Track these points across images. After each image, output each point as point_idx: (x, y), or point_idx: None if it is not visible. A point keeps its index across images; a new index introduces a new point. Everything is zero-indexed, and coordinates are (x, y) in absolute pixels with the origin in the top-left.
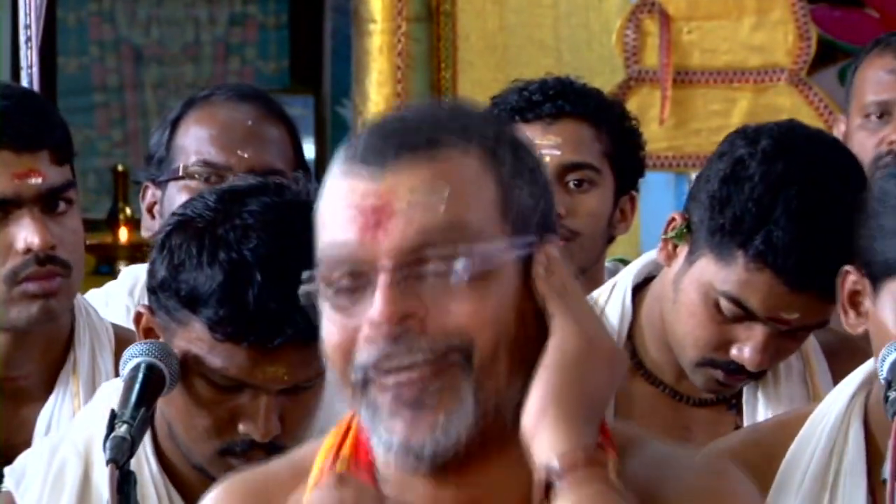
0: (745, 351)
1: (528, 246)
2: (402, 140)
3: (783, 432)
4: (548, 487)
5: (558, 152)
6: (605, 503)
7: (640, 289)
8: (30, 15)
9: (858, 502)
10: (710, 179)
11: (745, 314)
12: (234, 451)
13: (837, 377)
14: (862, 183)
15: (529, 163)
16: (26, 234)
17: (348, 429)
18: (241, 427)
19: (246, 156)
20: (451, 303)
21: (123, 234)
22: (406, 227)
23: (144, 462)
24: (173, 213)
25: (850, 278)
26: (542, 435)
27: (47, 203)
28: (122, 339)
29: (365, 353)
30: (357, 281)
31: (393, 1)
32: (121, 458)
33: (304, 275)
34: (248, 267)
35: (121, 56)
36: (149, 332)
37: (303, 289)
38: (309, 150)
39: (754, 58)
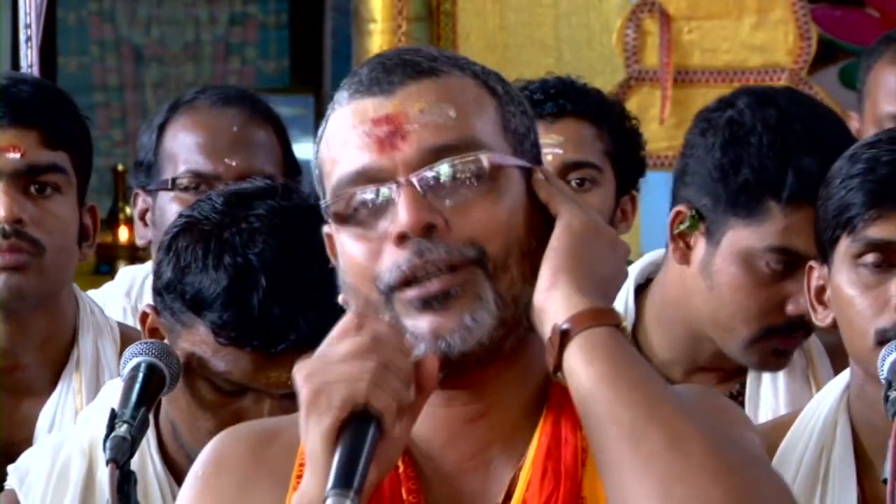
0: (801, 302)
1: (527, 167)
2: (404, 68)
3: (775, 432)
4: (561, 346)
5: (560, 151)
6: (615, 346)
7: (641, 290)
8: (30, 14)
9: (849, 498)
10: (706, 156)
11: (792, 264)
12: None
13: None
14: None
15: (517, 96)
16: None
17: None
18: None
19: (234, 164)
20: (467, 213)
21: (123, 234)
22: (420, 142)
23: (149, 461)
24: (181, 215)
25: (815, 274)
26: (554, 302)
27: (27, 181)
28: (126, 337)
29: (391, 266)
30: (376, 199)
31: (393, 0)
32: (121, 457)
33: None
34: (254, 272)
35: (121, 56)
36: (154, 332)
37: (326, 204)
38: (309, 150)
39: (755, 57)
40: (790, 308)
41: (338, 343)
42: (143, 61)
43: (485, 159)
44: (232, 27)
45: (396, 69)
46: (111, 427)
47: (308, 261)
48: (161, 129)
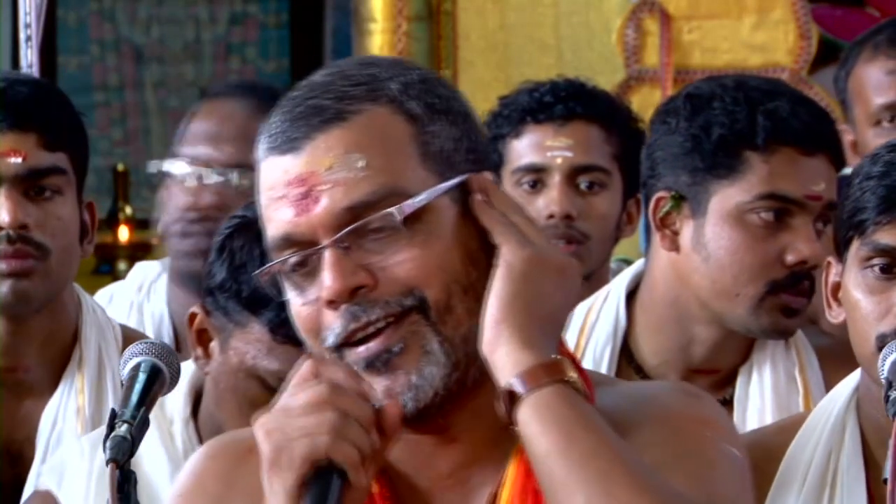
0: (799, 248)
1: (457, 186)
2: (310, 117)
3: (783, 435)
4: (510, 404)
5: (570, 154)
6: (565, 409)
7: (632, 296)
8: (30, 14)
9: (858, 500)
10: (671, 137)
11: (783, 212)
12: None
13: (829, 380)
14: None
15: (442, 105)
16: None
17: None
18: None
19: (233, 151)
20: (396, 263)
21: (123, 234)
22: (332, 204)
23: (183, 433)
24: (234, 216)
25: (832, 270)
26: (500, 351)
27: (28, 185)
28: (128, 338)
29: (329, 332)
30: (305, 260)
31: (393, 0)
32: (121, 457)
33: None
34: None
35: (121, 55)
36: (202, 334)
37: (260, 275)
38: None
39: (755, 57)
40: (790, 258)
41: (296, 393)
42: (143, 61)
43: (398, 213)
44: (232, 27)
45: (302, 120)
46: (111, 427)
47: None
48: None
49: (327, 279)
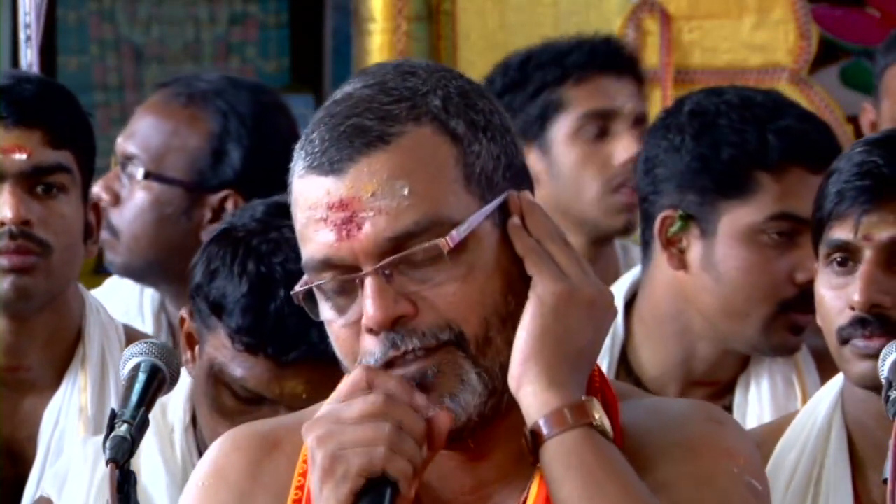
0: (810, 267)
1: (498, 207)
2: (353, 138)
3: (771, 436)
4: (535, 444)
5: (633, 103)
6: (588, 456)
7: (629, 306)
8: (30, 13)
9: (844, 501)
10: (676, 155)
11: (794, 232)
12: None
13: (826, 381)
14: None
15: (483, 121)
16: (1, 207)
17: None
18: None
19: None
20: (437, 294)
21: None
22: (376, 233)
23: (182, 442)
24: (223, 221)
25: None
26: (527, 390)
27: (32, 181)
28: (132, 339)
29: (368, 353)
30: (346, 283)
31: (393, 0)
32: (121, 457)
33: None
34: (274, 281)
35: (121, 55)
36: (190, 337)
37: (296, 291)
38: None
39: (755, 57)
40: (800, 276)
41: (348, 401)
42: (143, 61)
43: (444, 244)
44: (232, 27)
45: (345, 140)
46: (111, 427)
47: None
48: None
49: (370, 308)
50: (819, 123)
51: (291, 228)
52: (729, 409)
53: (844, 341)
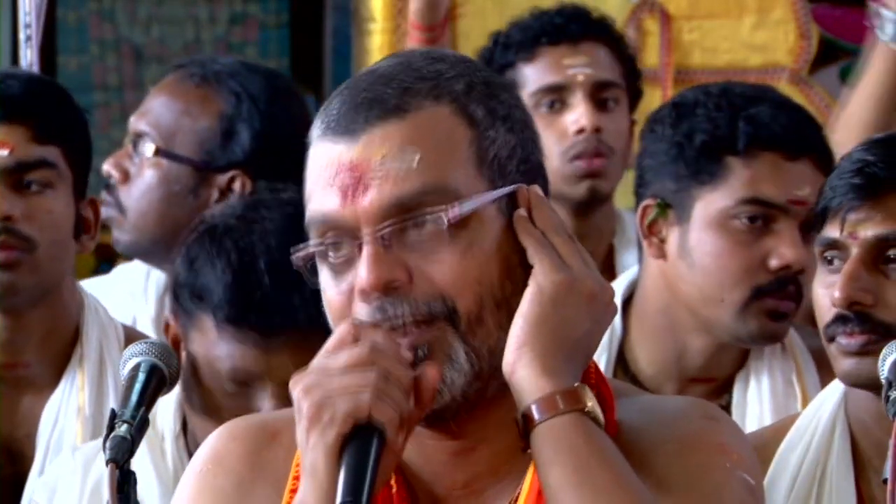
0: (783, 252)
1: (507, 195)
2: (370, 107)
3: (774, 437)
4: (526, 429)
5: (590, 70)
6: (578, 440)
7: (628, 305)
8: (30, 13)
9: (847, 499)
10: (658, 145)
11: (766, 217)
12: None
13: (826, 383)
14: None
15: (503, 110)
16: None
17: None
18: None
19: None
20: (433, 266)
21: None
22: (381, 196)
23: (173, 450)
24: (202, 220)
25: None
26: (520, 374)
27: (16, 177)
28: (131, 339)
29: (356, 318)
30: (345, 246)
31: (393, 0)
32: (121, 458)
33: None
34: (255, 258)
35: (121, 55)
36: (176, 341)
37: (296, 254)
38: None
39: (755, 57)
40: (773, 262)
41: (335, 354)
42: (143, 61)
43: (445, 216)
44: (232, 26)
45: (362, 108)
46: (111, 427)
47: None
48: None
49: (363, 271)
50: (797, 111)
51: (271, 220)
52: (727, 407)
53: (830, 339)
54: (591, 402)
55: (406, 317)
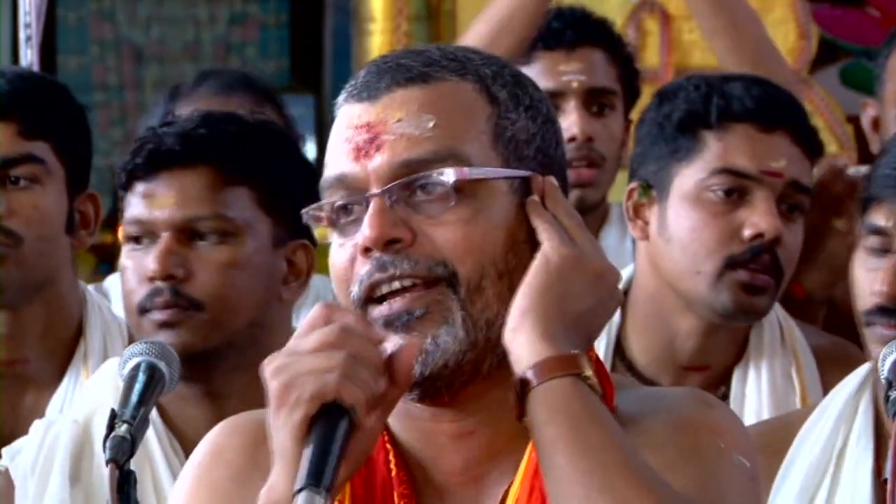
0: (755, 221)
1: (520, 181)
2: (395, 73)
3: (801, 415)
4: (522, 394)
5: (584, 77)
6: (574, 401)
7: (626, 296)
8: (30, 13)
9: (864, 474)
10: (643, 131)
11: (739, 189)
12: (148, 307)
13: (826, 379)
14: None
15: (527, 100)
16: None
17: None
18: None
19: None
20: (437, 227)
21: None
22: (392, 154)
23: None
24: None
25: None
26: (520, 339)
27: (1, 173)
28: (134, 336)
29: (358, 278)
30: (354, 205)
31: (393, 0)
32: (121, 457)
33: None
34: (163, 124)
35: (121, 55)
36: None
37: (308, 212)
38: (310, 150)
39: None
40: (746, 232)
41: (306, 336)
42: (143, 61)
43: (449, 175)
44: (232, 26)
45: (386, 74)
46: (111, 427)
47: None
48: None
49: (366, 226)
50: (773, 86)
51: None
52: (724, 399)
53: (868, 324)
54: (590, 372)
55: (405, 275)
